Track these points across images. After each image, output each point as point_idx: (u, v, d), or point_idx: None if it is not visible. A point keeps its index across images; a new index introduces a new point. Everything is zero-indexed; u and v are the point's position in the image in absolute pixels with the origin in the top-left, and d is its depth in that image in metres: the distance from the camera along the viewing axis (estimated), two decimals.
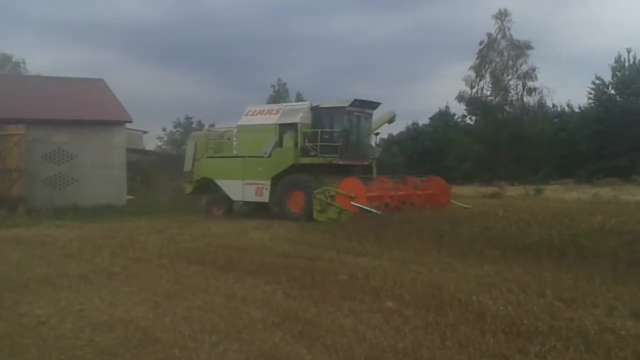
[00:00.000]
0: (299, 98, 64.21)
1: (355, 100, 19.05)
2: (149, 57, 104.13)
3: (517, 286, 7.80)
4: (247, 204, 21.51)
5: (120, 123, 25.79)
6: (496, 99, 51.25)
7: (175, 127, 51.43)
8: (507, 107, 51.39)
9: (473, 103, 52.66)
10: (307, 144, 18.79)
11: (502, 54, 51.29)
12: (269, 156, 19.51)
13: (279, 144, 19.43)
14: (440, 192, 19.35)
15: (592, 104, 54.25)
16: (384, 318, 6.49)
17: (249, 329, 6.19)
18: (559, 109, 57.69)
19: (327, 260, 10.56)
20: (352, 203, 16.45)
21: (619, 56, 52.41)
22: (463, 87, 52.13)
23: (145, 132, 40.39)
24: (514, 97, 51.21)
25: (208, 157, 21.62)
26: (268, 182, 19.42)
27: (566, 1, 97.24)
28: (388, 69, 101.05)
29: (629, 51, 52.08)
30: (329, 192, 17.29)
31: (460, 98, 52.42)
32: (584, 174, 46.00)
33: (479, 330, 5.91)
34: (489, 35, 51.31)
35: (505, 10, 50.96)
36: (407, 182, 19.13)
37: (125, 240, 13.52)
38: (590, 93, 54.47)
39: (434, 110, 66.37)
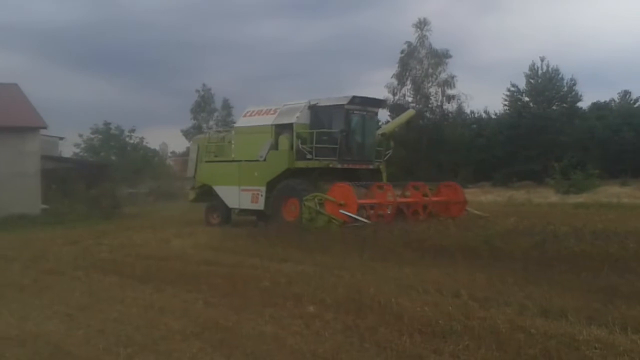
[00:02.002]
0: (226, 104, 63.62)
1: (354, 97, 17.39)
2: (66, 61, 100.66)
3: (434, 287, 8.00)
4: (245, 211, 19.32)
5: (34, 129, 24.75)
6: (417, 106, 52.54)
7: (93, 133, 49.62)
8: (427, 114, 52.76)
9: (396, 109, 53.72)
10: (300, 146, 17.11)
11: (422, 62, 52.60)
12: (265, 160, 17.95)
13: (275, 146, 17.86)
14: (455, 200, 17.60)
15: (507, 111, 56.53)
16: (305, 323, 6.51)
17: (166, 340, 6.06)
18: (476, 115, 59.74)
19: (250, 267, 10.48)
20: (341, 211, 15.00)
21: (533, 64, 54.89)
22: (386, 94, 53.11)
23: (61, 139, 38.80)
24: (434, 104, 52.63)
25: (206, 162, 20.23)
26: (263, 188, 17.85)
27: (484, 12, 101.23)
28: (314, 75, 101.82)
29: (542, 60, 54.61)
30: (319, 199, 15.72)
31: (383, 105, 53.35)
32: (500, 177, 47.84)
33: (397, 331, 6.03)
34: (409, 43, 52.55)
35: (425, 19, 52.32)
36: (416, 188, 17.48)
37: (38, 252, 13.00)
38: (506, 100, 56.76)
39: None
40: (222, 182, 19.27)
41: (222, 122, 63.83)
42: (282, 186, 17.28)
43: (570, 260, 9.41)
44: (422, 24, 52.28)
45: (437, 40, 54.59)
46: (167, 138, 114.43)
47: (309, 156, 16.97)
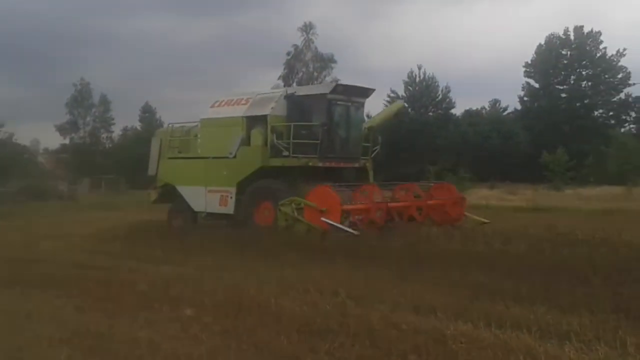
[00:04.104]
0: (104, 99, 61.17)
1: (338, 85, 15.74)
2: None
3: (314, 287, 8.10)
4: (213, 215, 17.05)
5: None
6: None
7: None
8: None
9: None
10: (275, 141, 15.09)
11: (308, 65, 53.57)
12: (235, 157, 15.87)
13: (247, 141, 15.81)
14: (451, 203, 15.67)
15: None
16: (182, 327, 6.40)
17: (32, 348, 5.73)
18: None
19: (126, 270, 10.10)
20: (322, 219, 13.01)
21: (411, 72, 57.37)
22: None
23: None
24: None
25: (169, 158, 17.99)
26: (233, 189, 15.77)
27: (367, 19, 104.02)
28: (200, 73, 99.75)
29: (419, 67, 57.24)
30: (297, 204, 13.72)
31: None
32: (380, 179, 49.50)
33: (275, 332, 6.06)
34: (296, 46, 53.32)
35: (310, 23, 53.34)
36: (408, 190, 15.75)
37: None
38: (386, 105, 58.85)
39: None
40: (187, 182, 17.26)
41: (99, 119, 61.38)
42: (254, 187, 15.35)
43: (441, 259, 9.91)
44: (307, 28, 53.27)
45: (323, 44, 55.74)
46: (40, 134, 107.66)
47: (285, 153, 15.00)
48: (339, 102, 15.44)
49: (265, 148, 15.25)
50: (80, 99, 60.49)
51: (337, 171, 15.73)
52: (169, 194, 18.03)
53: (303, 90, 16.11)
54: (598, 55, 55.85)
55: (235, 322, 6.50)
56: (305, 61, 53.83)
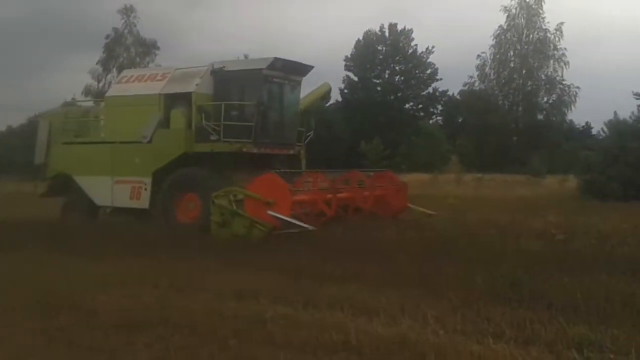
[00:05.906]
0: None
1: (276, 59, 13.70)
2: None
3: (134, 280, 7.93)
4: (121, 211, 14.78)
5: None
6: None
7: None
8: None
9: (100, 96, 51.72)
10: (204, 123, 13.33)
11: (129, 50, 51.51)
12: (150, 141, 13.91)
13: (165, 123, 14.00)
14: (393, 193, 14.23)
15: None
16: None
17: None
18: None
19: None
20: (270, 213, 11.25)
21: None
22: (90, 81, 50.82)
23: None
24: None
25: (64, 144, 15.50)
26: (148, 180, 13.86)
27: (192, 4, 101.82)
28: (5, 56, 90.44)
29: (246, 57, 57.16)
30: (235, 196, 11.87)
31: (87, 91, 50.94)
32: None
33: (90, 328, 5.83)
34: (116, 30, 51.00)
35: (131, 6, 51.27)
36: (350, 179, 14.17)
37: None
38: None
39: (58, 102, 62.20)
40: (87, 172, 14.92)
41: None
42: (176, 177, 13.46)
43: (266, 244, 10.23)
44: (128, 11, 51.14)
45: (145, 29, 53.53)
46: None
47: (214, 137, 13.28)
48: (275, 80, 14.07)
49: (190, 131, 13.69)
50: None
51: (267, 158, 14.29)
52: (63, 186, 15.74)
53: (234, 65, 14.43)
54: (410, 51, 60.02)
55: (46, 320, 6.14)
56: (126, 45, 51.55)
